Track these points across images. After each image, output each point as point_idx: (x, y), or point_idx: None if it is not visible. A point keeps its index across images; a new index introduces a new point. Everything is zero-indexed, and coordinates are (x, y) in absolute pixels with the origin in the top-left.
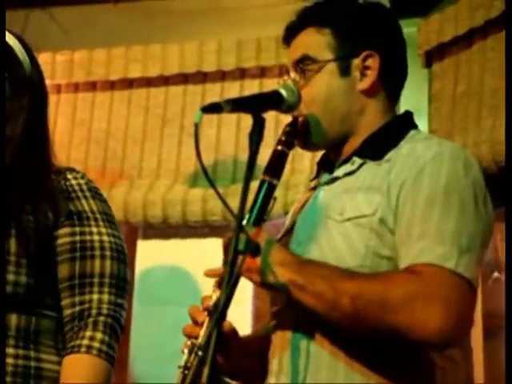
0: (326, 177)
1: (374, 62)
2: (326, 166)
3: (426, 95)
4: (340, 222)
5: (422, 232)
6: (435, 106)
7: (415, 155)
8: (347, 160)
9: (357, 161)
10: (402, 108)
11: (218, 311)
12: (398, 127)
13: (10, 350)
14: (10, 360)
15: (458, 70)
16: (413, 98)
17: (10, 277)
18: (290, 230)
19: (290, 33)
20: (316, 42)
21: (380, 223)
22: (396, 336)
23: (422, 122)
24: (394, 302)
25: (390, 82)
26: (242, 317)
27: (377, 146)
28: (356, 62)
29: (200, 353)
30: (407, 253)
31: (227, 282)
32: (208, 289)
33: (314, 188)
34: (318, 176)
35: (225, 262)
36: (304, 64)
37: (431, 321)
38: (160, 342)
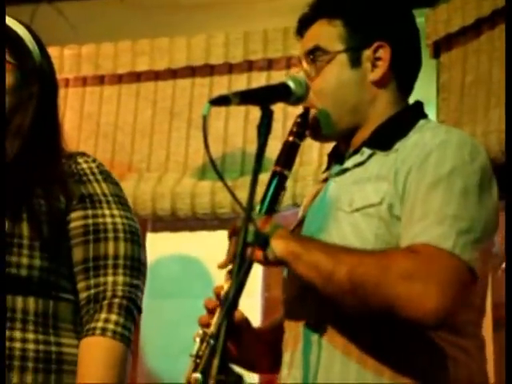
0: (336, 168)
1: (385, 53)
2: (337, 157)
3: (435, 86)
4: (349, 213)
5: (423, 214)
6: (443, 97)
7: (423, 143)
8: (357, 151)
9: (366, 151)
10: (411, 99)
11: (228, 302)
12: (407, 117)
13: (30, 336)
14: (30, 345)
15: (465, 60)
16: (421, 88)
17: (24, 260)
18: (301, 222)
19: (303, 24)
20: (327, 33)
21: (388, 211)
22: (390, 313)
23: (430, 113)
24: (390, 279)
25: (402, 73)
26: (251, 308)
27: (386, 137)
28: (367, 53)
29: (212, 341)
30: (407, 233)
31: (236, 274)
32: (220, 279)
33: (326, 180)
34: (329, 168)
35: (230, 252)
36: (315, 55)
37: (427, 300)
38: (172, 333)
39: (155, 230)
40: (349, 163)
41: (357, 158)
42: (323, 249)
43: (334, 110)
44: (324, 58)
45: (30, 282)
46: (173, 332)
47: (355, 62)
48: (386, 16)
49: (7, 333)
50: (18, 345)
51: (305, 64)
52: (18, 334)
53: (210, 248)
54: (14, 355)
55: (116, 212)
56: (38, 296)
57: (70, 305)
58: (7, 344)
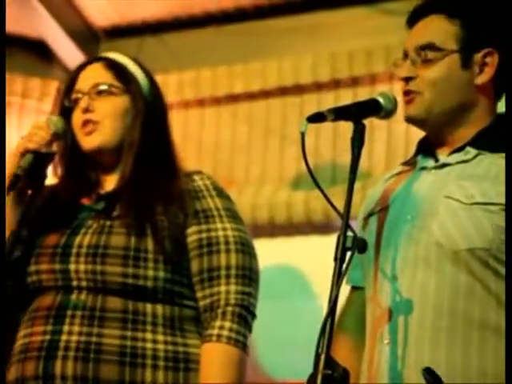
0: (429, 162)
1: (493, 60)
2: (426, 150)
3: None
4: (468, 205)
5: None
6: None
7: None
8: (460, 149)
9: (471, 151)
10: None
11: (330, 304)
12: (502, 125)
13: (160, 337)
14: (161, 346)
15: None
16: None
17: (150, 272)
18: (385, 207)
19: (417, 14)
20: (444, 31)
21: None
22: None
23: None
24: None
25: (502, 82)
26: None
27: (492, 140)
28: (477, 56)
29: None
30: None
31: (337, 278)
32: (314, 281)
33: (408, 168)
34: (415, 158)
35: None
36: (428, 51)
37: None
38: (270, 334)
39: (255, 236)
40: (450, 159)
41: (460, 156)
42: None
43: (441, 103)
44: (437, 56)
45: (156, 291)
46: (270, 332)
47: (466, 63)
48: (501, 23)
49: (140, 334)
50: (149, 345)
51: (413, 54)
52: (149, 336)
53: (304, 252)
54: (147, 354)
55: (228, 225)
56: (164, 303)
57: (192, 310)
58: (140, 344)
